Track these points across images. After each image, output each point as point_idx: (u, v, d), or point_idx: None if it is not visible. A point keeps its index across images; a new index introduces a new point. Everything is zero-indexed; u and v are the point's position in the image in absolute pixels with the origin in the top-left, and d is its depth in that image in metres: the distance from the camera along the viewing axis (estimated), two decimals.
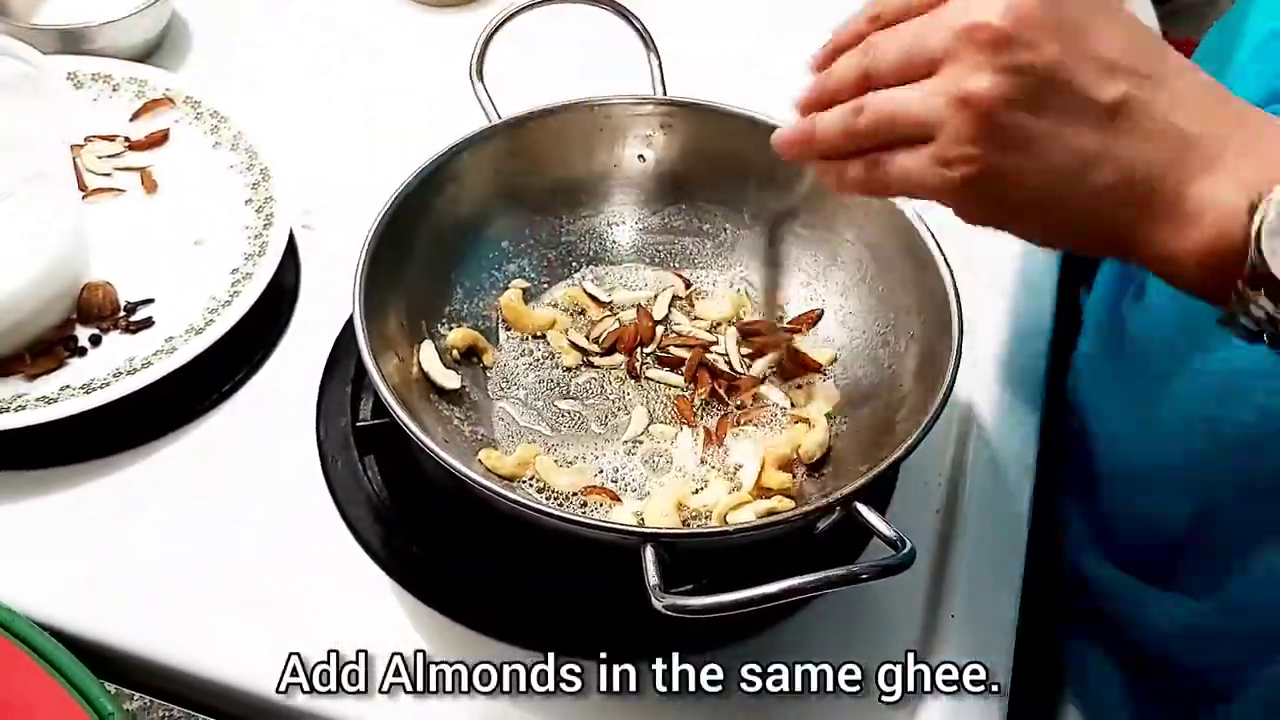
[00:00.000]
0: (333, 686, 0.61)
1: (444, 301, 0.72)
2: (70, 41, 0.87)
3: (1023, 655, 0.66)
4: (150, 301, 0.74)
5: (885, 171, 0.51)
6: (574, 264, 0.76)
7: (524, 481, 0.66)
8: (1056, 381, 0.80)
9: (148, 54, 0.92)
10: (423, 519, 0.66)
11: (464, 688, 0.62)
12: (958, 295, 0.64)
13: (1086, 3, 0.48)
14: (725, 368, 0.71)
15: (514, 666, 0.62)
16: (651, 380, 0.71)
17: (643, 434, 0.69)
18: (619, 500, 0.65)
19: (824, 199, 0.73)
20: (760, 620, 0.62)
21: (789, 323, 0.74)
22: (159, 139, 0.83)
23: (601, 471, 0.67)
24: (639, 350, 0.72)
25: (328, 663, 0.62)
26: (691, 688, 0.63)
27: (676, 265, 0.77)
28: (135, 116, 0.84)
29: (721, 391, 0.70)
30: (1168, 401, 0.65)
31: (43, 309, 0.71)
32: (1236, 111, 0.49)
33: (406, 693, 0.61)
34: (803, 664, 0.63)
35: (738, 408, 0.70)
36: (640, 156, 0.76)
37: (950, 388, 0.60)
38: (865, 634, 0.64)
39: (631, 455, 0.68)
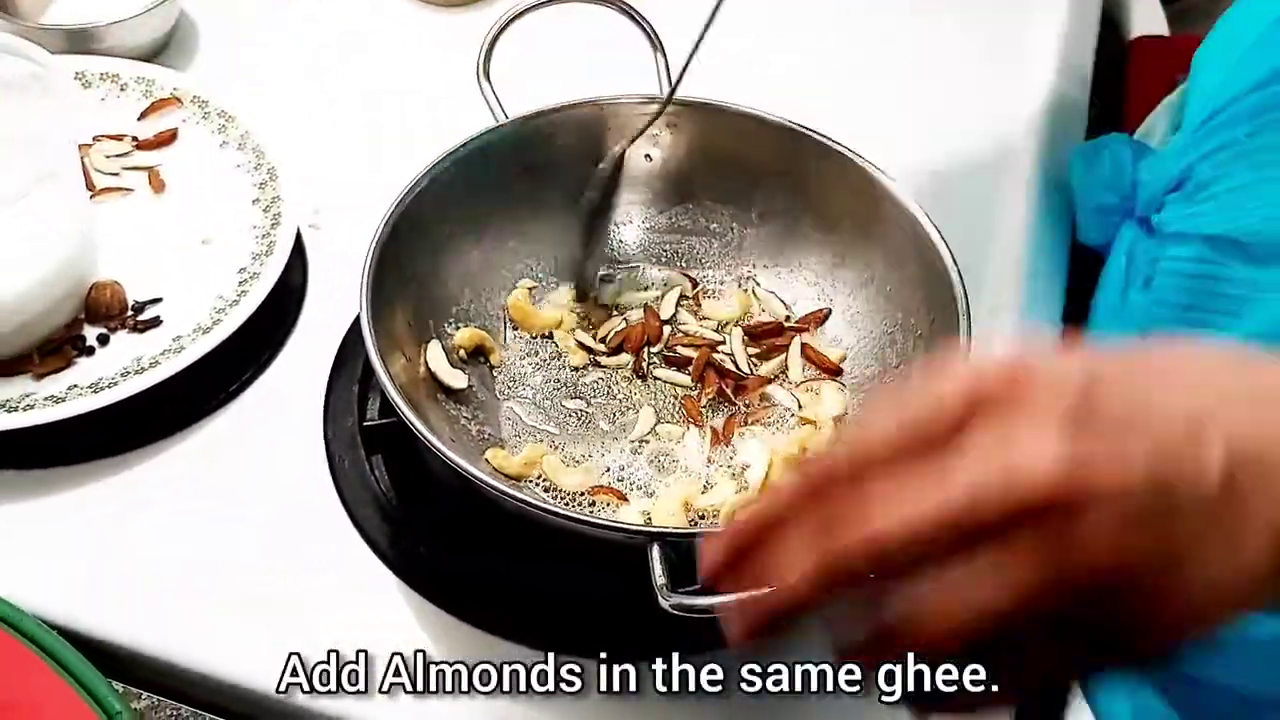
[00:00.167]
0: (339, 686, 0.61)
1: (451, 301, 0.72)
2: (78, 41, 0.87)
3: None
4: (158, 301, 0.75)
5: None
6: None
7: (531, 481, 0.66)
8: None
9: (155, 53, 0.92)
10: (430, 518, 0.66)
11: (471, 687, 0.62)
12: (966, 294, 0.64)
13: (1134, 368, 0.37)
14: (732, 368, 0.71)
15: (520, 666, 0.62)
16: (659, 380, 0.71)
17: (650, 434, 0.69)
18: (626, 500, 0.65)
19: (833, 199, 0.73)
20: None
21: (796, 322, 0.74)
22: (167, 138, 0.83)
23: (608, 471, 0.67)
24: (646, 350, 0.72)
25: (334, 662, 0.62)
26: (693, 687, 0.63)
27: (683, 265, 0.77)
28: (143, 116, 0.84)
29: (729, 391, 0.70)
30: None
31: (51, 308, 0.72)
32: None
33: (413, 692, 0.61)
34: (803, 664, 0.63)
35: (745, 407, 0.70)
36: (647, 156, 0.76)
37: None
38: None
39: (638, 455, 0.68)
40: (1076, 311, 0.82)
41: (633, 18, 0.75)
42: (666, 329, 0.73)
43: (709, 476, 0.67)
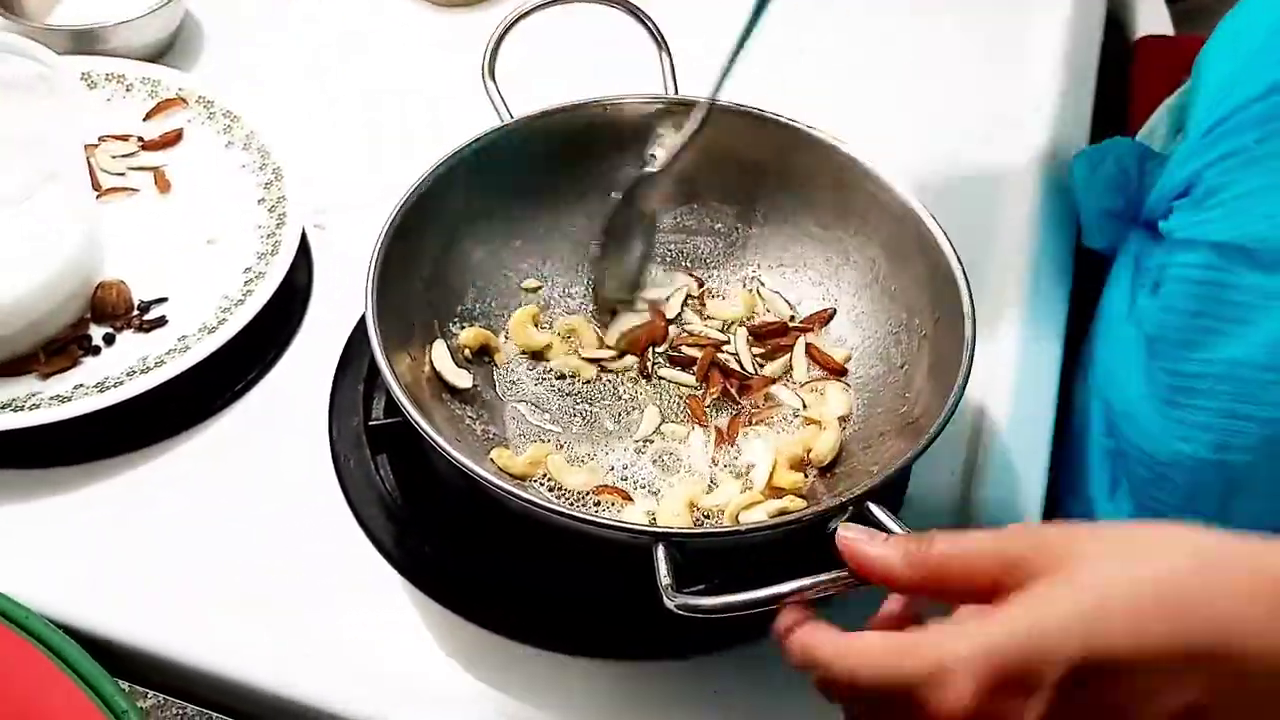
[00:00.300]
0: (345, 685, 0.61)
1: (456, 300, 0.72)
2: (84, 42, 0.87)
3: None
4: (164, 300, 0.75)
5: None
6: (586, 263, 0.76)
7: (536, 481, 0.66)
8: (1070, 380, 0.80)
9: (161, 54, 0.92)
10: (435, 518, 0.66)
11: (476, 686, 0.62)
12: (971, 294, 0.64)
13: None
14: (737, 367, 0.71)
15: (525, 665, 0.63)
16: (663, 380, 0.71)
17: (654, 433, 0.69)
18: (631, 500, 0.65)
19: (837, 199, 0.73)
20: (771, 620, 0.62)
21: (801, 322, 0.74)
22: (172, 139, 0.83)
23: (612, 469, 0.67)
24: (651, 350, 0.72)
25: (339, 661, 0.62)
26: (701, 687, 0.63)
27: (688, 264, 0.77)
28: (148, 116, 0.84)
29: (733, 391, 0.70)
30: (1186, 396, 0.65)
31: (57, 308, 0.72)
32: None
33: (419, 691, 0.62)
34: None
35: (750, 407, 0.70)
36: (651, 156, 0.76)
37: (964, 387, 0.60)
38: None
39: (643, 454, 0.68)
40: (1081, 313, 0.82)
41: (638, 17, 0.75)
42: (672, 329, 0.73)
43: (714, 476, 0.67)
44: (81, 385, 0.69)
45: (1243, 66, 0.66)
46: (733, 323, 0.74)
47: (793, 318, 0.74)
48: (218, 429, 0.71)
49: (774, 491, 0.65)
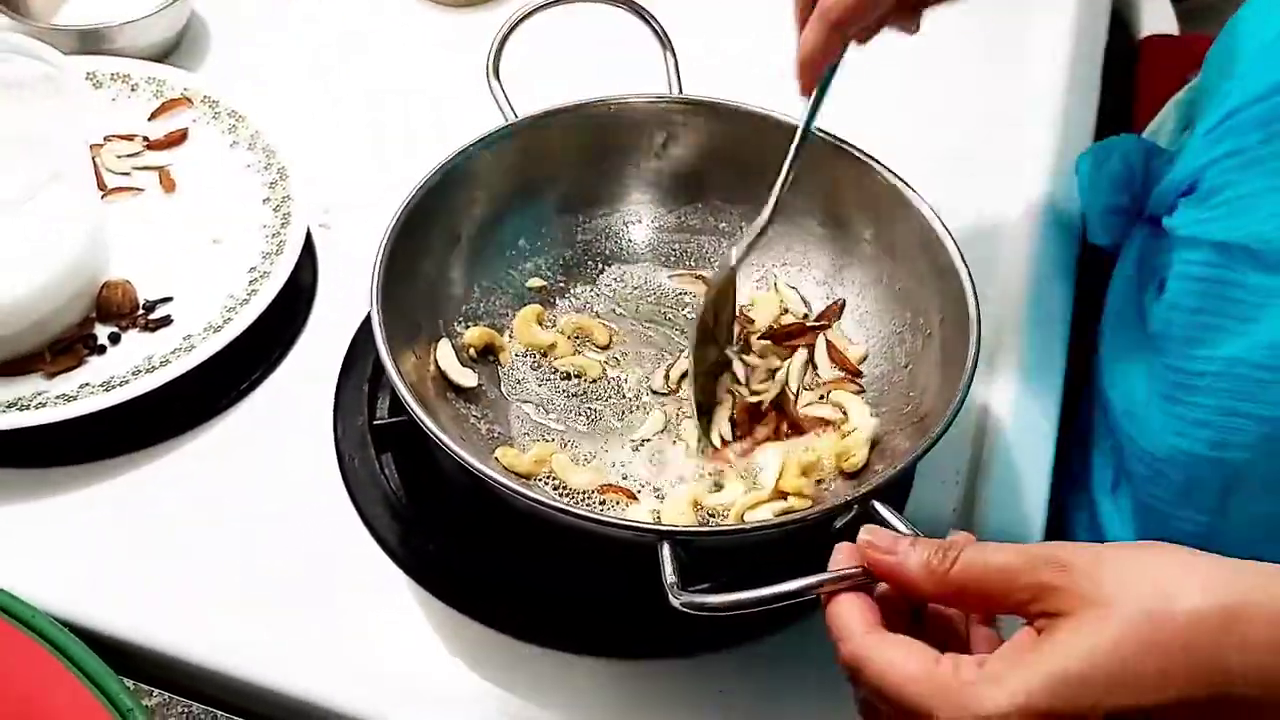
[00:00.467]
0: (350, 683, 0.61)
1: (460, 300, 0.72)
2: (89, 41, 0.87)
3: None
4: (169, 300, 0.75)
5: None
6: (590, 263, 0.76)
7: (541, 479, 0.66)
8: (1075, 377, 0.79)
9: (166, 54, 0.92)
10: (439, 517, 0.67)
11: (480, 684, 0.62)
12: (976, 293, 0.64)
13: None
14: (790, 396, 0.70)
15: (529, 664, 0.63)
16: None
17: (660, 433, 0.69)
18: (636, 499, 0.65)
19: (841, 198, 0.73)
20: (776, 618, 0.62)
21: (815, 318, 0.74)
22: (177, 138, 0.83)
23: (614, 466, 0.67)
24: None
25: (344, 659, 0.62)
26: (705, 686, 0.63)
27: (692, 264, 0.77)
28: (154, 116, 0.85)
29: (784, 429, 0.69)
30: (1186, 394, 0.65)
31: (63, 307, 0.72)
32: None
33: (423, 690, 0.62)
34: (819, 662, 0.63)
35: (789, 429, 0.69)
36: (656, 155, 0.76)
37: (969, 385, 0.60)
38: None
39: (646, 453, 0.68)
40: (1085, 310, 0.82)
41: (642, 17, 0.75)
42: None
43: (719, 476, 0.67)
44: (87, 384, 0.69)
45: (1248, 65, 0.66)
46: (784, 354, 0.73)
47: (806, 315, 0.74)
48: (223, 428, 0.71)
49: (778, 495, 0.65)
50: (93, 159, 0.80)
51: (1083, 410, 0.78)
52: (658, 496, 0.66)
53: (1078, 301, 0.82)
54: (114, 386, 0.69)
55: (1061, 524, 0.76)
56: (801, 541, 0.60)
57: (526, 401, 0.70)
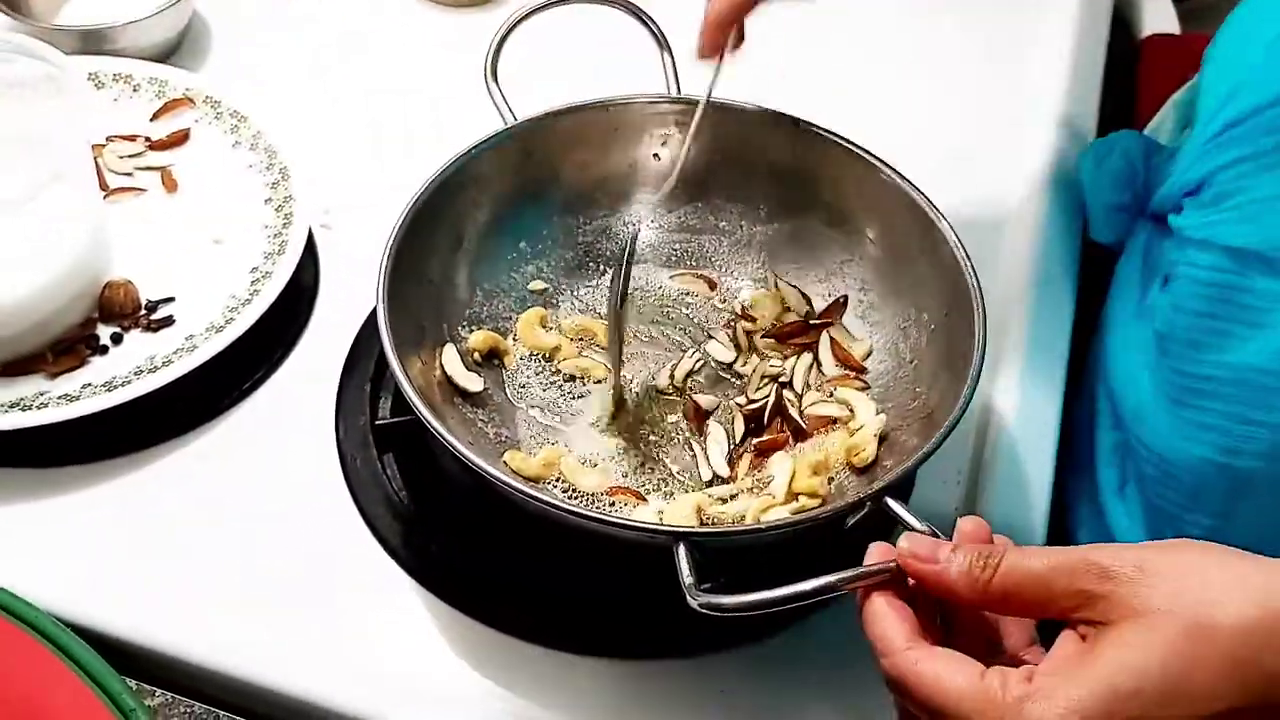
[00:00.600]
0: (352, 683, 0.61)
1: (465, 304, 0.72)
2: (91, 42, 0.88)
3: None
4: (171, 300, 0.75)
5: None
6: (592, 264, 0.76)
7: (549, 482, 0.66)
8: (1077, 373, 0.79)
9: (168, 54, 0.92)
10: (442, 517, 0.67)
11: (483, 685, 0.62)
12: (979, 289, 0.64)
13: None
14: (794, 401, 0.70)
15: (532, 664, 0.63)
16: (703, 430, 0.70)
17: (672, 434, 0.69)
18: (644, 500, 0.65)
19: (843, 194, 0.73)
20: (779, 619, 0.62)
21: (818, 315, 0.74)
22: (179, 139, 0.83)
23: (613, 458, 0.67)
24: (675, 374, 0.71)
25: (347, 660, 0.62)
26: (708, 687, 0.63)
27: (694, 264, 0.77)
28: (156, 116, 0.85)
29: (789, 435, 0.69)
30: (1195, 398, 0.65)
31: (65, 307, 0.72)
32: None
33: (426, 690, 0.62)
34: (821, 662, 0.63)
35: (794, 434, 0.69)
36: (656, 156, 0.76)
37: (975, 382, 0.60)
38: None
39: (658, 453, 0.68)
40: (1088, 307, 0.82)
41: (639, 18, 0.75)
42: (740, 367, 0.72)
43: (727, 477, 0.67)
44: (89, 384, 0.70)
45: (1254, 67, 0.65)
46: (767, 331, 0.73)
47: (808, 313, 0.74)
48: (225, 428, 0.72)
49: (790, 497, 0.65)
50: (94, 159, 0.80)
51: (1085, 406, 0.78)
52: (664, 497, 0.66)
53: (1080, 298, 0.82)
54: (116, 387, 0.69)
55: (1065, 522, 0.76)
56: (813, 541, 0.60)
57: (532, 405, 0.70)
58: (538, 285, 0.75)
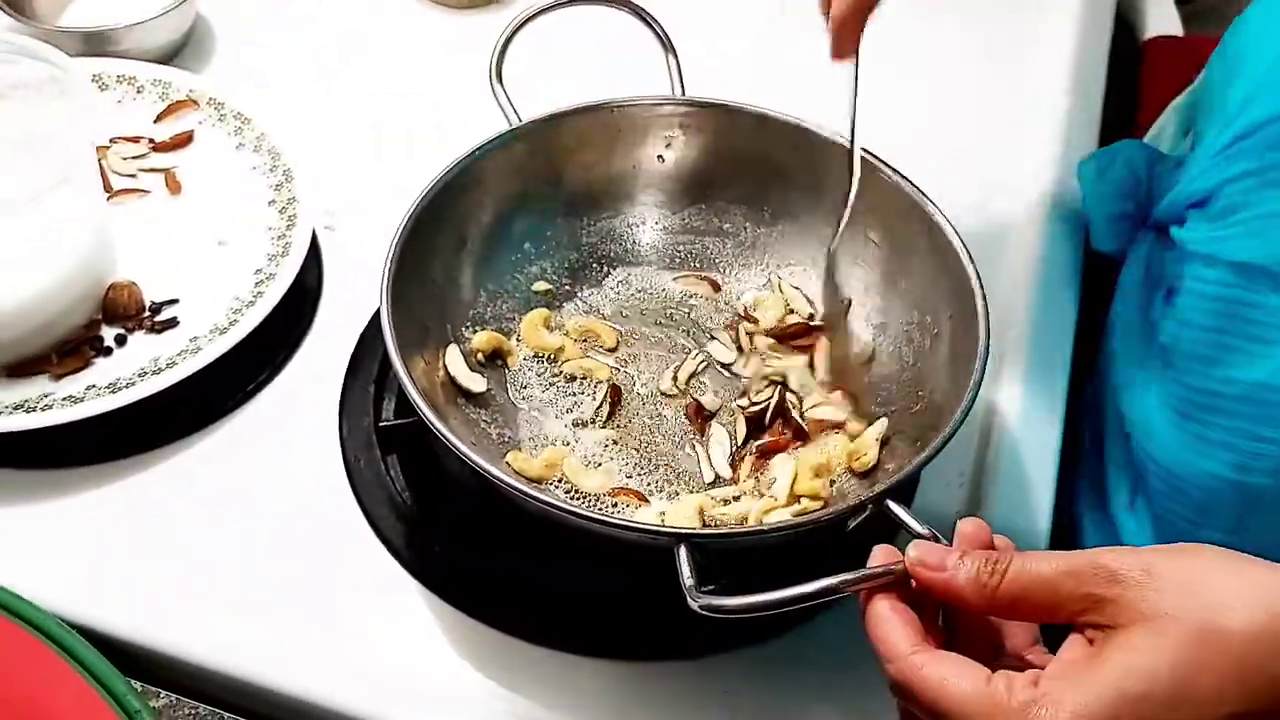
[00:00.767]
0: (356, 685, 0.61)
1: (468, 305, 0.72)
2: (95, 44, 0.88)
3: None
4: (175, 302, 0.75)
5: None
6: (595, 266, 0.76)
7: (551, 483, 0.66)
8: (1081, 380, 0.79)
9: (172, 56, 0.92)
10: (445, 519, 0.67)
11: (486, 686, 0.62)
12: (984, 293, 0.64)
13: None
14: (794, 404, 0.70)
15: (535, 665, 0.63)
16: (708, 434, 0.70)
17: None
18: (647, 501, 0.65)
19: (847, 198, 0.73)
20: (783, 620, 0.62)
21: (821, 318, 0.74)
22: (183, 140, 0.84)
23: (621, 467, 0.67)
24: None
25: (350, 661, 0.62)
26: (711, 688, 0.63)
27: (697, 265, 0.77)
28: (159, 118, 0.85)
29: (788, 439, 0.69)
30: (1204, 413, 0.65)
31: (69, 309, 0.72)
32: None
33: (429, 691, 0.62)
34: (824, 664, 0.63)
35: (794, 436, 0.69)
36: (660, 157, 0.76)
37: (979, 386, 0.60)
38: None
39: (661, 454, 0.68)
40: (1092, 313, 0.82)
41: (644, 20, 0.75)
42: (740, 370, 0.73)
43: (729, 478, 0.67)
44: (93, 386, 0.70)
45: (1261, 80, 0.65)
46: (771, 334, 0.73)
47: (812, 316, 0.74)
48: (229, 430, 0.72)
49: (793, 499, 0.65)
50: (98, 161, 0.80)
51: (1094, 416, 0.77)
52: (667, 498, 0.66)
53: (1084, 305, 0.82)
54: (120, 388, 0.69)
55: (1074, 533, 0.76)
56: (814, 543, 0.60)
57: (535, 406, 0.70)
58: (541, 286, 0.75)
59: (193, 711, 0.60)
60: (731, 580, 0.60)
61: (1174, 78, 0.92)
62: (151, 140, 0.83)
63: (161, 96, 0.85)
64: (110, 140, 0.83)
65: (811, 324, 0.74)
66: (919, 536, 0.52)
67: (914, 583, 0.47)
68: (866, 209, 0.72)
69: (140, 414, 0.68)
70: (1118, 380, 0.74)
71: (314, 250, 0.79)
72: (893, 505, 0.55)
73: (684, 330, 0.74)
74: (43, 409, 0.68)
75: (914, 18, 1.02)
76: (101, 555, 0.66)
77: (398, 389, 0.71)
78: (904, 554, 0.48)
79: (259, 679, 0.61)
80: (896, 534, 0.54)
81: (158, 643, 0.62)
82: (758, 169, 0.76)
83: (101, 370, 0.71)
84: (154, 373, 0.70)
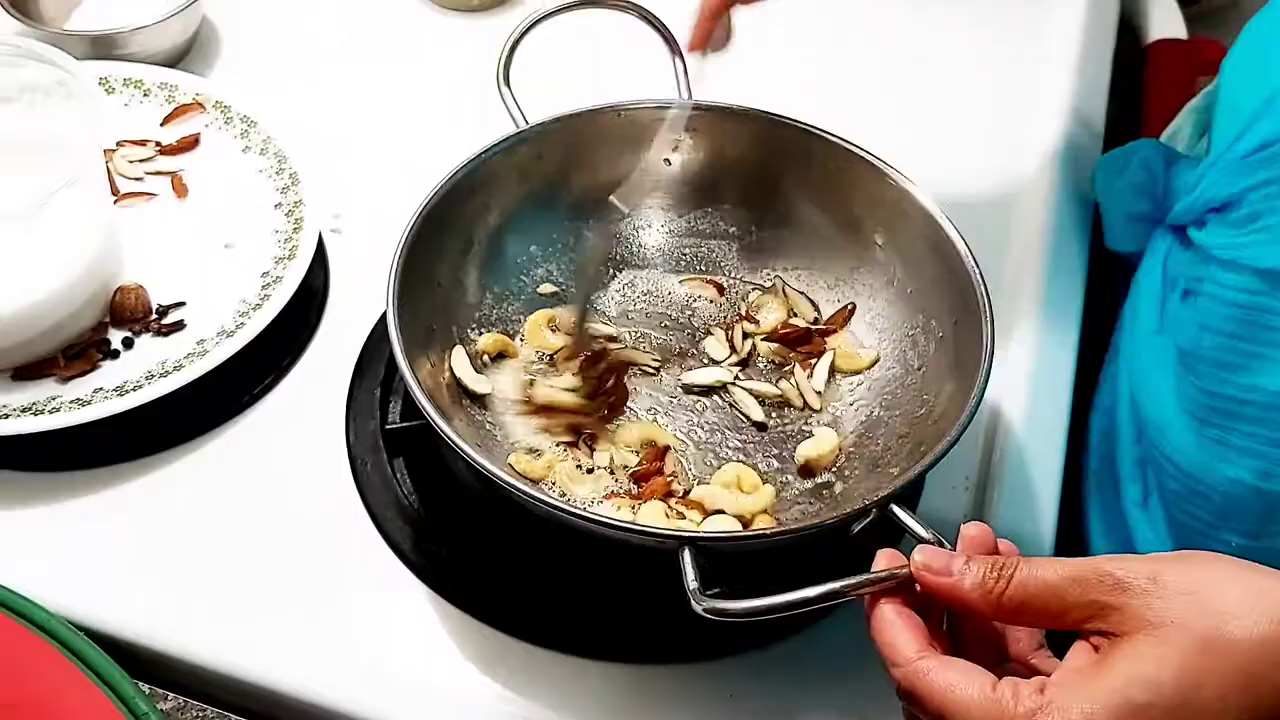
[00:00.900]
0: (362, 687, 0.62)
1: (474, 306, 0.72)
2: (102, 47, 0.88)
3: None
4: (182, 304, 0.75)
5: None
6: (602, 268, 0.76)
7: (549, 484, 0.66)
8: (1094, 380, 0.79)
9: (178, 59, 0.92)
10: (452, 521, 0.67)
11: (493, 689, 0.63)
12: (988, 297, 0.64)
13: None
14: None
15: (542, 668, 0.63)
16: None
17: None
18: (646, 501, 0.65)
19: (852, 201, 0.73)
20: (788, 623, 0.62)
21: (825, 322, 0.74)
22: (189, 143, 0.84)
23: (623, 468, 0.67)
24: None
25: (357, 663, 0.62)
26: (717, 690, 0.63)
27: (703, 268, 0.77)
28: (166, 121, 0.85)
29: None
30: (1225, 419, 0.65)
31: (76, 312, 0.72)
32: None
33: (436, 694, 0.62)
34: (829, 667, 0.63)
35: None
36: (666, 160, 0.77)
37: (983, 390, 0.60)
38: None
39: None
40: (1099, 313, 0.82)
41: (650, 22, 0.75)
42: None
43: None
44: (101, 389, 0.70)
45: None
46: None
47: (816, 320, 0.74)
48: (235, 433, 0.72)
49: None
50: (105, 164, 0.81)
51: (1105, 418, 0.77)
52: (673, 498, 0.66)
53: (1092, 305, 0.82)
54: (128, 391, 0.69)
55: (1083, 532, 0.76)
56: (819, 547, 0.60)
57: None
58: (547, 288, 0.75)
59: (200, 714, 0.60)
60: (736, 583, 0.61)
61: (1178, 80, 0.92)
62: (158, 143, 0.84)
63: (168, 100, 0.86)
64: (117, 143, 0.83)
65: (814, 328, 0.74)
66: (923, 541, 0.52)
67: (919, 587, 0.47)
68: (873, 212, 0.73)
69: (147, 417, 0.68)
70: (1133, 381, 0.74)
71: (320, 253, 0.79)
72: (897, 510, 0.56)
73: (688, 333, 0.74)
74: (50, 412, 0.68)
75: (918, 18, 1.02)
76: (109, 558, 0.66)
77: (403, 391, 0.71)
78: (908, 558, 0.48)
79: (266, 681, 0.62)
80: (900, 538, 0.55)
81: (166, 645, 0.62)
82: (764, 172, 0.76)
83: (109, 373, 0.71)
84: (161, 375, 0.70)
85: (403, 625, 0.64)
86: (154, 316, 0.74)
